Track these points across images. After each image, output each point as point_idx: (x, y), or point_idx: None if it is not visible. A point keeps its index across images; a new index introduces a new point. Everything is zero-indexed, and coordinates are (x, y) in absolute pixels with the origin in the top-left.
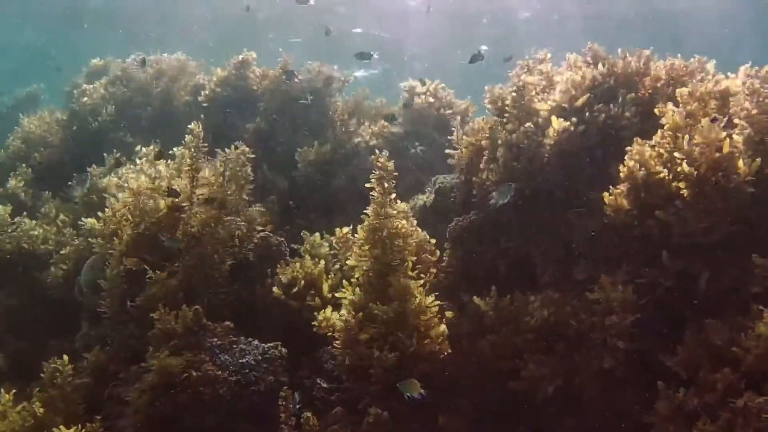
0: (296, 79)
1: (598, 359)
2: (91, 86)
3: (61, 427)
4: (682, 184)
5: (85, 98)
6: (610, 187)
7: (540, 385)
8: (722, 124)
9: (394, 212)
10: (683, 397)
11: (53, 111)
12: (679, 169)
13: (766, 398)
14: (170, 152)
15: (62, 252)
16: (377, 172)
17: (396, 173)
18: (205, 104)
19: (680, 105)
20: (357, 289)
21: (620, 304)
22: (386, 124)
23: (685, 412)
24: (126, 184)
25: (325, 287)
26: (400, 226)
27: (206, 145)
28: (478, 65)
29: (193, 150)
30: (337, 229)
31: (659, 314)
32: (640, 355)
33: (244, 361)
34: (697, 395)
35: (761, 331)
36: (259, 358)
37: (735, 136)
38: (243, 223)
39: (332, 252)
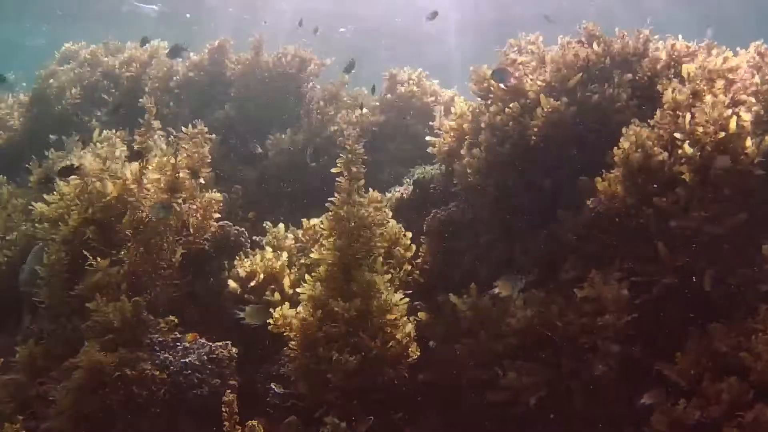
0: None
1: (587, 366)
2: (59, 69)
3: None
4: (683, 168)
5: (51, 80)
6: (603, 172)
7: (521, 396)
8: (727, 102)
9: (362, 200)
10: (683, 409)
11: (17, 94)
12: (680, 152)
13: None
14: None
15: (8, 238)
16: (345, 156)
17: (368, 157)
18: (176, 90)
19: (686, 83)
20: (318, 284)
21: (613, 303)
22: (365, 112)
23: (685, 426)
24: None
25: (287, 282)
26: (367, 215)
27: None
28: None
29: (144, 129)
30: (304, 221)
31: (657, 316)
32: (635, 361)
33: (186, 360)
34: (700, 407)
35: None
36: (205, 358)
37: (742, 114)
38: (199, 210)
39: (299, 245)
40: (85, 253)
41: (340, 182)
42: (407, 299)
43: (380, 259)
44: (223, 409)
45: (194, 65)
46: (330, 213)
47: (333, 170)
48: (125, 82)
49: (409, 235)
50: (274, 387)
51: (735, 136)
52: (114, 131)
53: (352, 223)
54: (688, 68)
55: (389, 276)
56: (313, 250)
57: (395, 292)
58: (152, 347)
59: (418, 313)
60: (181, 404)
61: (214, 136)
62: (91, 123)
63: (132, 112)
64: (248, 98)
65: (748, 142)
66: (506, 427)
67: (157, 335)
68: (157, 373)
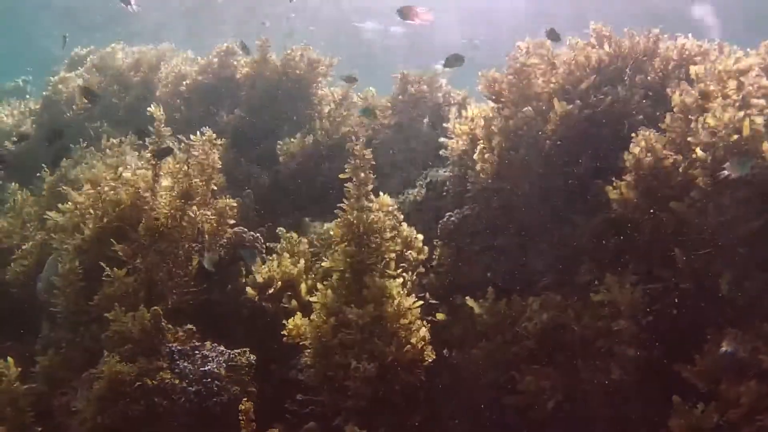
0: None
1: (604, 369)
2: (69, 75)
3: None
4: (697, 172)
5: (61, 86)
6: (614, 180)
7: (539, 400)
8: (738, 104)
9: (371, 205)
10: (702, 413)
11: (27, 101)
12: (693, 156)
13: None
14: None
15: (24, 247)
16: (353, 161)
17: (379, 160)
18: (186, 94)
19: (695, 84)
20: (329, 291)
21: (629, 307)
22: (377, 114)
23: (703, 430)
24: (83, 175)
25: (304, 288)
26: (376, 220)
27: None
28: None
29: (155, 136)
30: (318, 225)
31: (673, 321)
32: (652, 365)
33: (206, 369)
34: (718, 411)
35: None
36: (224, 366)
37: (755, 117)
38: (212, 216)
39: (313, 250)
40: (101, 263)
41: (348, 188)
42: (421, 302)
43: (392, 263)
44: (240, 417)
45: (203, 69)
46: (339, 219)
47: (341, 176)
48: (135, 86)
49: (421, 237)
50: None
51: (749, 139)
52: (124, 137)
53: (362, 229)
54: (696, 70)
55: (401, 280)
56: (325, 258)
57: (408, 295)
58: (171, 356)
59: (437, 315)
60: (201, 412)
61: (224, 140)
62: (101, 129)
63: (143, 116)
64: (258, 101)
65: (765, 145)
66: (524, 431)
67: (175, 344)
68: (177, 381)
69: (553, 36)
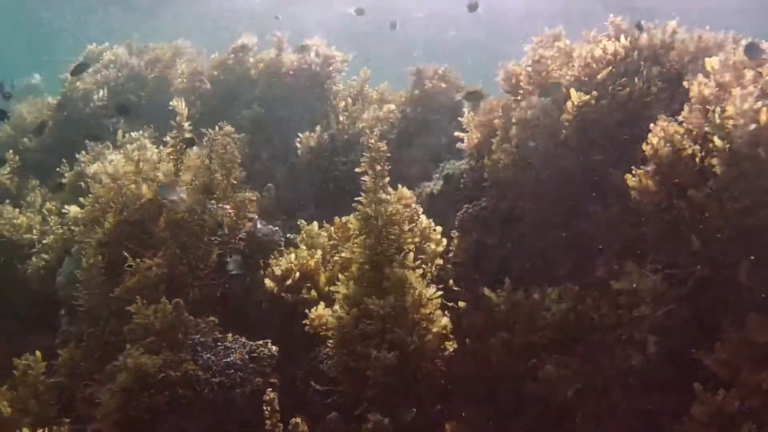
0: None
1: (624, 357)
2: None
3: (25, 430)
4: (714, 161)
5: (78, 83)
6: (633, 168)
7: (558, 389)
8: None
9: (388, 197)
10: (723, 399)
11: (45, 97)
12: (711, 145)
13: None
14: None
15: (44, 241)
16: (369, 155)
17: (395, 153)
18: (202, 90)
19: (711, 76)
20: (351, 282)
21: (650, 295)
22: (392, 108)
23: (725, 416)
24: (104, 170)
25: (322, 279)
26: (394, 211)
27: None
28: None
29: (176, 131)
30: (336, 218)
31: (692, 308)
32: (672, 353)
33: (229, 360)
34: (739, 398)
35: None
36: (246, 357)
37: None
38: (233, 210)
39: (331, 242)
40: (126, 254)
41: (365, 181)
42: (440, 293)
43: (411, 255)
44: (265, 408)
45: (219, 64)
46: (357, 212)
47: (357, 170)
48: (151, 83)
49: (439, 229)
50: (314, 384)
51: (767, 128)
52: (141, 132)
53: (380, 221)
54: (710, 62)
55: (421, 271)
56: (344, 249)
57: (428, 286)
58: (194, 348)
59: (459, 302)
60: (225, 403)
61: (243, 135)
62: (118, 125)
63: (159, 112)
64: (274, 97)
65: None
66: (544, 419)
67: (198, 336)
68: (201, 373)
69: None
